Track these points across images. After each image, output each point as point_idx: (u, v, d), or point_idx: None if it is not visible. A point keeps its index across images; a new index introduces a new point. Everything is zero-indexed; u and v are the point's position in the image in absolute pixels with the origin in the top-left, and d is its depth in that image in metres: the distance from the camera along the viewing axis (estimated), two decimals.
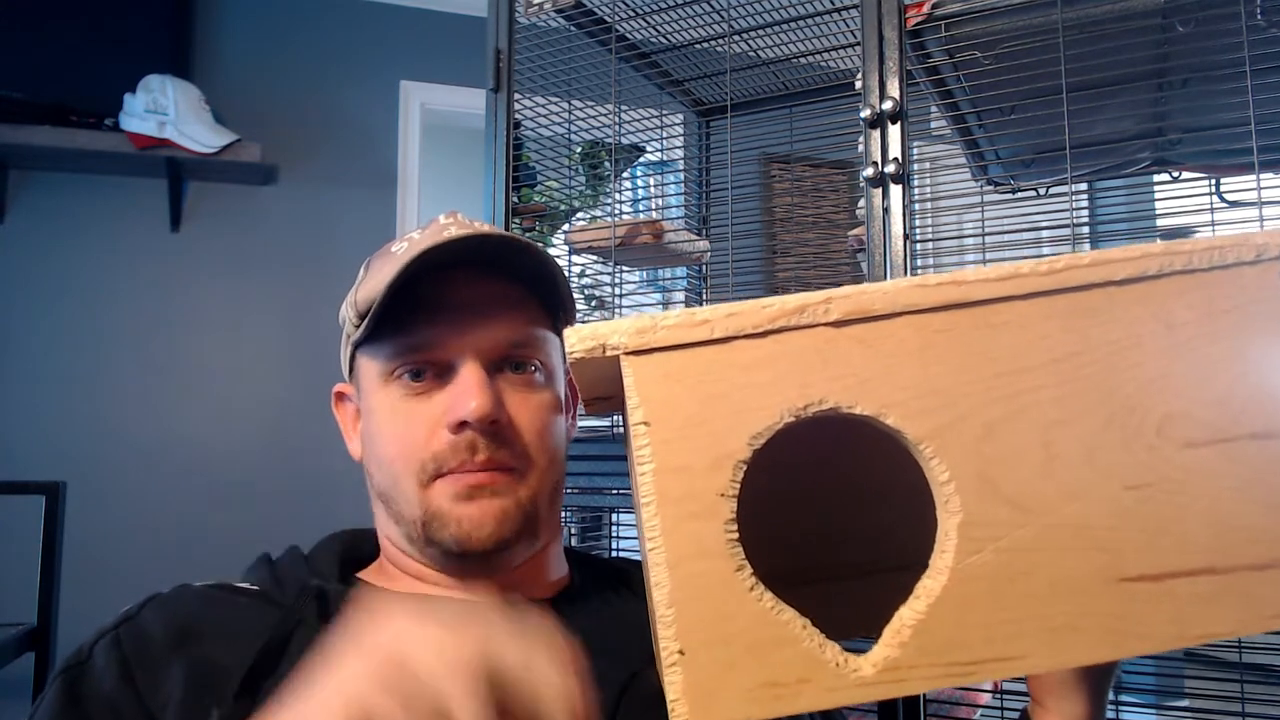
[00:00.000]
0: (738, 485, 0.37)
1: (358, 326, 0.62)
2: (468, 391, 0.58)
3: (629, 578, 0.70)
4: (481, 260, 0.62)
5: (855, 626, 0.52)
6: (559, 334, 0.67)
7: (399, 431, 0.60)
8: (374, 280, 0.62)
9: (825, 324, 0.38)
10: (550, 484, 0.64)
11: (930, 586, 0.37)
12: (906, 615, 0.37)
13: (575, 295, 0.75)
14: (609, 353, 0.38)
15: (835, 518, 0.58)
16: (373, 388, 0.63)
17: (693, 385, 0.38)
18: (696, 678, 0.35)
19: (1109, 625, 0.36)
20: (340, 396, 0.70)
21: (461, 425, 0.58)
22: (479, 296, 0.61)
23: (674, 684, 0.35)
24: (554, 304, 0.66)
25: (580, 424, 0.74)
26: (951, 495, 0.37)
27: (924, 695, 1.01)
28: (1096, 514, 0.37)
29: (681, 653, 0.35)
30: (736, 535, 0.37)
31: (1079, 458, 0.37)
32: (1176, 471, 0.37)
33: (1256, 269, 0.39)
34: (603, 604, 0.66)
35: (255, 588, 0.60)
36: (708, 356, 0.38)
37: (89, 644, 0.56)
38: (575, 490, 1.33)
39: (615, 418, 1.26)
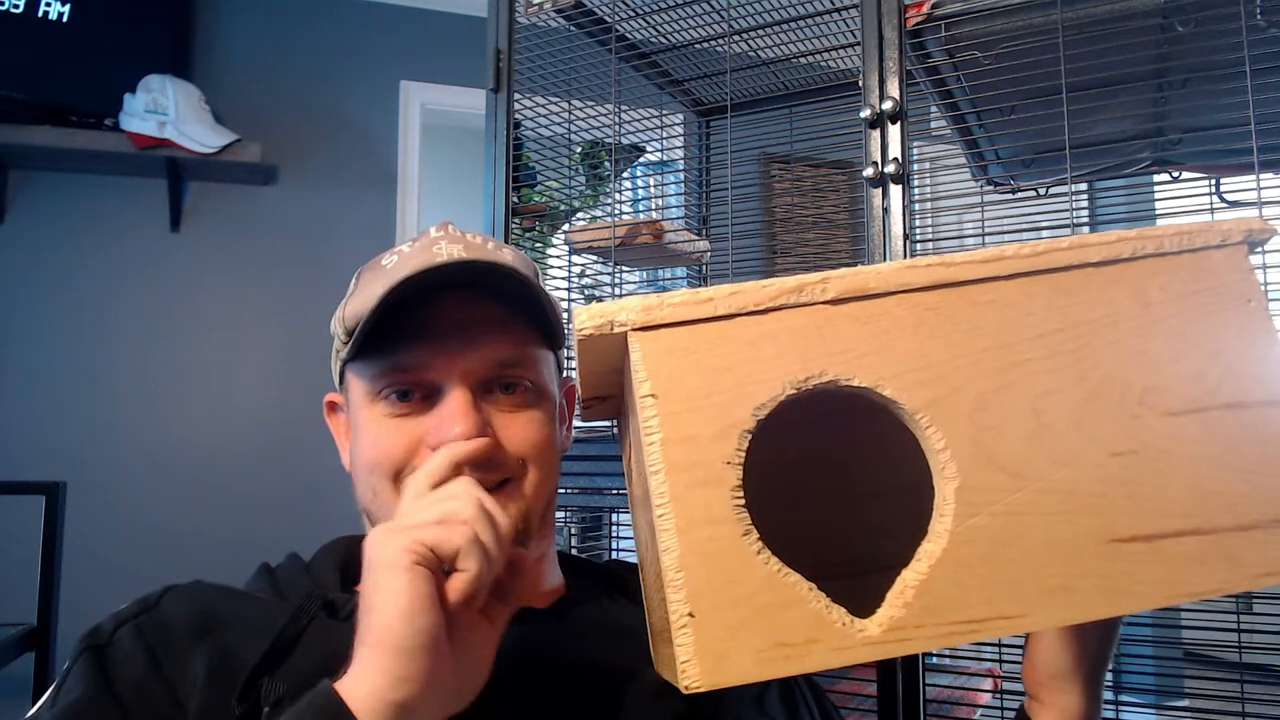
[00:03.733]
0: (743, 454, 0.38)
1: (345, 343, 0.62)
2: (452, 416, 0.58)
3: (624, 583, 0.70)
4: (469, 282, 0.61)
5: None
6: (553, 349, 0.66)
7: (381, 445, 0.60)
8: (361, 296, 0.61)
9: (822, 302, 0.40)
10: (543, 498, 0.63)
11: (931, 549, 0.38)
12: (909, 577, 0.38)
13: (575, 295, 0.74)
14: (617, 329, 0.39)
15: (826, 517, 0.59)
16: (360, 404, 0.62)
17: (698, 359, 0.39)
18: (707, 639, 0.36)
19: (1102, 584, 0.38)
20: (332, 406, 0.70)
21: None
22: (466, 319, 0.61)
23: (684, 646, 0.36)
24: (543, 321, 0.64)
25: (580, 424, 0.74)
26: (948, 462, 0.39)
27: (924, 695, 1.01)
28: (1085, 479, 0.39)
29: (691, 615, 0.36)
30: (743, 501, 0.38)
31: (1067, 426, 0.39)
32: (1159, 439, 0.40)
33: (1222, 253, 0.42)
34: (599, 611, 0.66)
35: (261, 595, 0.60)
36: (712, 332, 0.39)
37: (109, 628, 0.56)
38: (575, 490, 1.33)
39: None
